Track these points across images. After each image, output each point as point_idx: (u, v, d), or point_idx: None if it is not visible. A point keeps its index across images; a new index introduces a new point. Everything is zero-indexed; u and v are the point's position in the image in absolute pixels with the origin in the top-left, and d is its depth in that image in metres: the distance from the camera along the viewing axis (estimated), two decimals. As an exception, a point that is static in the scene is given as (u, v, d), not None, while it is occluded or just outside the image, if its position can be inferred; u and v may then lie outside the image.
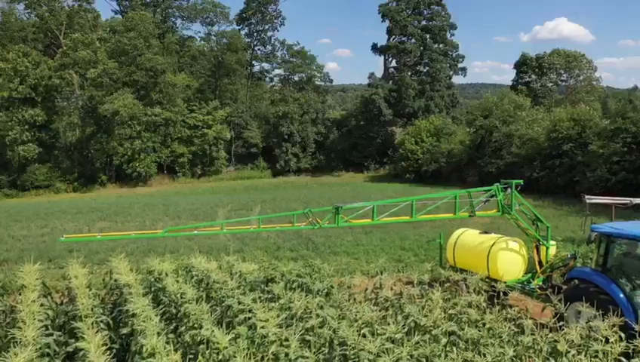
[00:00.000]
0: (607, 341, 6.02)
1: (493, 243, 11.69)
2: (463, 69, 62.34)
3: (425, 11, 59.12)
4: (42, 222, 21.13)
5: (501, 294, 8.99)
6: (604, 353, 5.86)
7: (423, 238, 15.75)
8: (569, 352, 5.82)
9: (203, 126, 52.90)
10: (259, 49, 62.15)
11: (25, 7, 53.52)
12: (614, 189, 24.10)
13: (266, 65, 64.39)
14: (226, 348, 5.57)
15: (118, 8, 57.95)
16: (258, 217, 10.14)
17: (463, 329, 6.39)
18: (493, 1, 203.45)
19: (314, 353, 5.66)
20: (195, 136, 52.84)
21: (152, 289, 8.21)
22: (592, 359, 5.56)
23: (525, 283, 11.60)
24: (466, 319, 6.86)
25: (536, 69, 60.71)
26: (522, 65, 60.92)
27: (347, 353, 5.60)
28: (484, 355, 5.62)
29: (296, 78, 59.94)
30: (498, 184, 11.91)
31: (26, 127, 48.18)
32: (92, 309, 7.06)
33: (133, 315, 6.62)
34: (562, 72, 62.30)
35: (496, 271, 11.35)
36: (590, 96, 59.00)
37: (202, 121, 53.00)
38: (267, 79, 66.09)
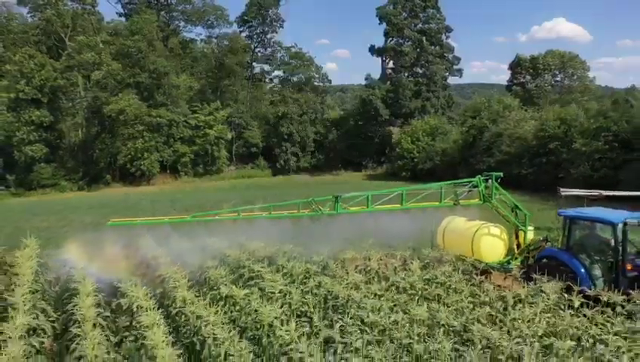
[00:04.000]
0: (548, 296, 7.48)
1: (477, 228, 12.98)
2: (459, 71, 63.90)
3: (421, 14, 60.58)
4: (59, 215, 22.55)
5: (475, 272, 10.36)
6: (545, 305, 7.34)
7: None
8: (516, 305, 7.27)
9: (205, 126, 54.19)
10: (259, 51, 63.60)
11: (30, 9, 54.80)
12: (596, 185, 25.54)
13: (266, 67, 65.80)
14: (242, 299, 7.02)
15: (122, 11, 59.32)
16: (270, 205, 11.55)
17: (431, 287, 7.85)
18: (492, 1, 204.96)
19: (313, 306, 7.11)
20: (197, 136, 54.14)
21: (178, 262, 9.65)
22: (530, 308, 7.01)
23: (506, 263, 12.96)
24: (436, 282, 8.33)
25: (531, 70, 62.12)
26: (517, 66, 62.40)
27: (338, 303, 7.03)
28: (447, 305, 7.07)
29: (295, 79, 61.38)
30: (480, 176, 13.32)
31: (33, 127, 49.44)
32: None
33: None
34: (557, 73, 63.77)
35: (480, 253, 12.58)
36: (584, 95, 60.24)
37: (204, 122, 54.27)
38: (267, 80, 67.51)
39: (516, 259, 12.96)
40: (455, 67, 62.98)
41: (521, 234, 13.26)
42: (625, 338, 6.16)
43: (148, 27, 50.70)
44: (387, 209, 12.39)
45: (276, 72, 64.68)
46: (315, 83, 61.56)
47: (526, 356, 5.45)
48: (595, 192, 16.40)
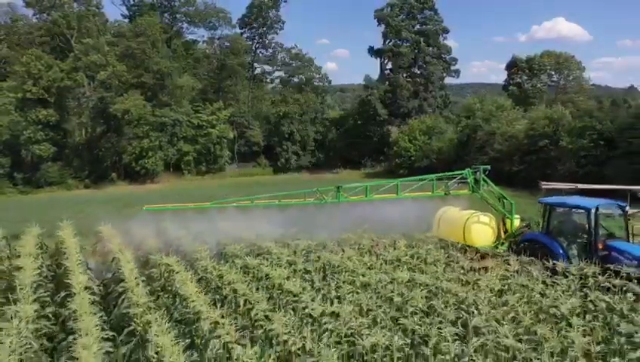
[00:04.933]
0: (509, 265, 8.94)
1: (469, 217, 14.02)
2: (456, 71, 65.19)
3: (418, 16, 61.95)
4: (75, 209, 23.93)
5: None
6: (504, 275, 8.79)
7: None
8: (484, 273, 8.71)
9: (207, 126, 55.53)
10: (260, 52, 64.95)
11: (38, 11, 55.97)
12: (582, 181, 26.97)
13: (267, 68, 67.16)
14: (255, 267, 8.46)
15: (127, 13, 60.67)
16: (278, 194, 12.94)
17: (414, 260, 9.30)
18: (491, 1, 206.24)
19: (314, 271, 8.54)
20: (200, 136, 55.45)
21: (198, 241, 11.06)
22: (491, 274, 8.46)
23: (494, 248, 13.91)
24: (418, 255, 9.78)
25: (527, 70, 63.34)
26: (513, 66, 63.68)
27: (334, 270, 8.45)
28: (426, 273, 8.50)
29: (295, 80, 62.80)
30: (469, 169, 14.59)
31: (39, 126, 50.62)
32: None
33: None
34: (553, 73, 65.05)
35: (471, 239, 13.63)
36: (579, 95, 61.35)
37: (207, 121, 55.55)
38: (268, 81, 68.88)
39: (503, 244, 14.08)
40: (452, 68, 64.36)
41: (508, 221, 14.46)
42: (563, 293, 7.60)
43: (152, 29, 52.03)
44: (384, 198, 13.67)
45: (277, 73, 66.14)
46: (315, 83, 62.97)
47: (480, 303, 6.87)
48: (571, 185, 17.99)
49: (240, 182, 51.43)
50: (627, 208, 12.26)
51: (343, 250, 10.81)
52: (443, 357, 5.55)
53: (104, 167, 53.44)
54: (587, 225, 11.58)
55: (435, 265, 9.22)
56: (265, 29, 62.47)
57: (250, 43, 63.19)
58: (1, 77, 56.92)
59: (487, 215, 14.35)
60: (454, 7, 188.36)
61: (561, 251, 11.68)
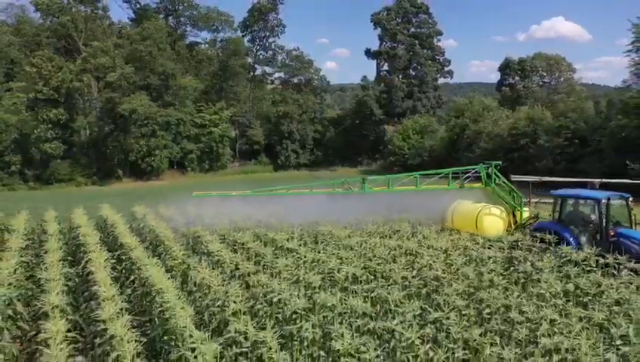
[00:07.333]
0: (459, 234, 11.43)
1: (481, 209, 15.20)
2: (450, 72, 67.60)
3: (413, 19, 64.39)
4: (96, 201, 26.16)
5: None
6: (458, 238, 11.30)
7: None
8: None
9: (210, 125, 57.94)
10: (260, 54, 67.27)
11: (44, 14, 58.08)
12: (557, 176, 29.37)
13: (267, 69, 69.48)
14: (262, 234, 10.99)
15: (133, 16, 63.00)
16: (311, 184, 15.08)
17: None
18: (491, 1, 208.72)
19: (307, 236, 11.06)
20: (203, 135, 57.79)
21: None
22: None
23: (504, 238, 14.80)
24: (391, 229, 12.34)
25: (519, 72, 65.62)
26: (505, 68, 66.01)
27: (324, 238, 10.96)
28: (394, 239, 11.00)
29: (295, 81, 65.24)
30: (481, 164, 15.99)
31: (49, 125, 52.81)
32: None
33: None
34: (545, 74, 67.40)
35: (483, 230, 14.46)
36: (570, 96, 63.41)
37: (209, 121, 57.98)
38: (268, 81, 71.17)
39: (513, 234, 14.94)
40: (446, 69, 66.78)
41: (517, 213, 15.71)
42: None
43: (158, 32, 54.36)
44: (405, 190, 15.23)
45: (277, 74, 68.48)
46: (314, 84, 65.40)
47: (427, 256, 9.36)
48: (536, 178, 20.49)
49: (242, 180, 53.69)
50: (630, 199, 13.15)
51: (331, 226, 13.29)
52: (393, 283, 8.04)
53: (111, 165, 55.71)
54: (599, 215, 12.42)
55: (403, 234, 11.71)
56: (266, 32, 64.75)
57: (251, 45, 65.53)
58: (9, 77, 59.30)
59: (498, 207, 15.44)
60: (454, 7, 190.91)
61: (571, 239, 12.63)
